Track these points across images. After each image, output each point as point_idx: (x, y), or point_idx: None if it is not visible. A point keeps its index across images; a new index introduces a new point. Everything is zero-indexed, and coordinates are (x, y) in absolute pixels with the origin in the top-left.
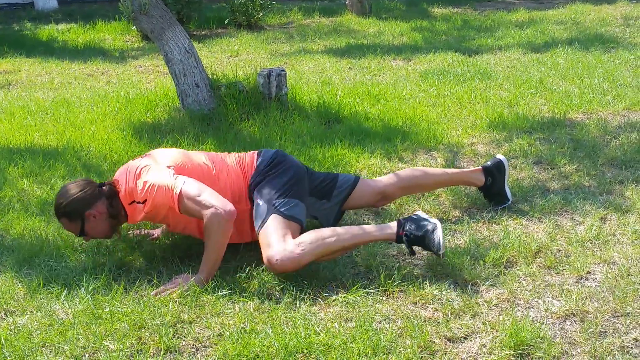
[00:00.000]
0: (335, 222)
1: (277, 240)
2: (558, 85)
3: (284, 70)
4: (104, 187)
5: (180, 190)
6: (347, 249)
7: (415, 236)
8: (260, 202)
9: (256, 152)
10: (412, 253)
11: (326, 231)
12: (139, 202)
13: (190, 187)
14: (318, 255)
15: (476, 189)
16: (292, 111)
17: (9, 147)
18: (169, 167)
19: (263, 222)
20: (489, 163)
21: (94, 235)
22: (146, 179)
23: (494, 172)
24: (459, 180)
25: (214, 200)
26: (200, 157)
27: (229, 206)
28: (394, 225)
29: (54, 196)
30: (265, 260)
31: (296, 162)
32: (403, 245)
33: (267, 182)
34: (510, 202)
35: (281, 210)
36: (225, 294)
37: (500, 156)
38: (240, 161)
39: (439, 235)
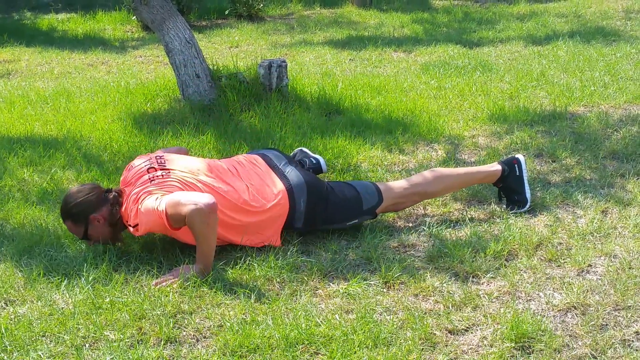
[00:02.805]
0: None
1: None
2: (559, 78)
3: (284, 62)
4: (110, 194)
5: (165, 206)
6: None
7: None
8: (356, 220)
9: (283, 190)
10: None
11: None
12: (130, 226)
13: (171, 197)
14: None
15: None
16: (292, 102)
17: (9, 137)
18: (157, 198)
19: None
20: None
21: (97, 240)
22: (139, 207)
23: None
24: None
25: (192, 197)
26: (213, 179)
27: (210, 199)
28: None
29: (56, 190)
30: None
31: (320, 188)
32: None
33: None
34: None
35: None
36: (226, 285)
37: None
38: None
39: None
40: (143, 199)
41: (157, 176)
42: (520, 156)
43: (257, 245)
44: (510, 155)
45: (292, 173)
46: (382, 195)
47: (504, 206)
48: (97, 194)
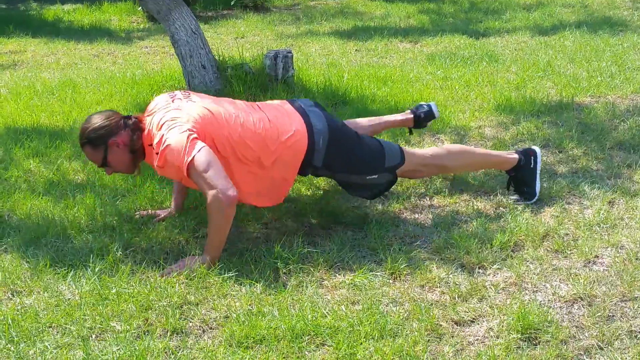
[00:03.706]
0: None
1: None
2: (566, 69)
3: (290, 52)
4: (130, 120)
5: (192, 159)
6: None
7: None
8: (375, 176)
9: (302, 124)
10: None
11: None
12: (155, 149)
13: (201, 159)
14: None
15: (488, 171)
16: (298, 93)
17: (15, 128)
18: (191, 129)
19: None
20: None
21: (115, 167)
22: (164, 135)
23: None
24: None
25: (218, 181)
26: (240, 114)
27: (231, 191)
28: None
29: (63, 180)
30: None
31: (346, 129)
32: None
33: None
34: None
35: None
36: (232, 276)
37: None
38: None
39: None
40: (170, 127)
41: (178, 98)
42: (537, 148)
43: (273, 199)
44: (527, 147)
45: (315, 113)
46: (405, 157)
47: (510, 197)
48: (116, 119)
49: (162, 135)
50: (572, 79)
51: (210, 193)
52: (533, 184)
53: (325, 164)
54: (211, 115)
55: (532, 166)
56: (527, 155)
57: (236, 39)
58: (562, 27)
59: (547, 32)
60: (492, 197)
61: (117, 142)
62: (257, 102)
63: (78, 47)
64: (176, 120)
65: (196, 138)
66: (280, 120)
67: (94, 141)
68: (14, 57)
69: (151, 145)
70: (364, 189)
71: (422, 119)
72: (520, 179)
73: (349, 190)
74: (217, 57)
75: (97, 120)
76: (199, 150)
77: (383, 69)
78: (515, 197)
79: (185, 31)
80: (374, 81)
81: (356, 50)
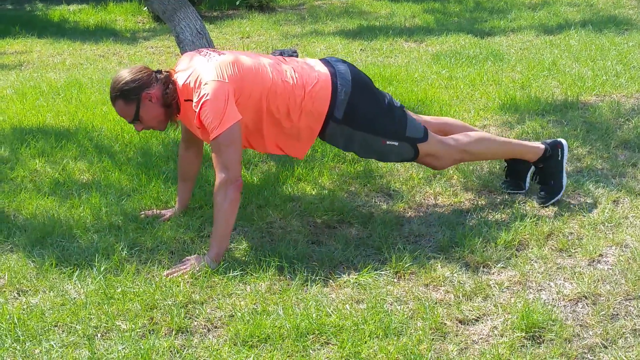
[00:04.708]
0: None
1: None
2: (571, 68)
3: (295, 52)
4: (160, 74)
5: (220, 133)
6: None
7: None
8: (395, 143)
9: (325, 74)
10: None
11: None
12: (194, 106)
13: (228, 137)
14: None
15: (492, 170)
16: None
17: (21, 128)
18: (229, 89)
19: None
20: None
21: (147, 123)
22: (204, 95)
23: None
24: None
25: (232, 165)
26: (266, 67)
27: (240, 179)
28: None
29: (68, 180)
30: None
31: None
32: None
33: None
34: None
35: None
36: (237, 275)
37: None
38: (302, 76)
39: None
40: (210, 86)
41: (209, 54)
42: (564, 141)
43: (297, 151)
44: (554, 139)
45: (340, 65)
46: (429, 135)
47: (536, 201)
48: (148, 72)
49: (201, 93)
50: (577, 78)
51: (221, 175)
52: (560, 177)
53: (346, 115)
54: (245, 69)
55: (559, 158)
56: (554, 147)
57: (241, 39)
58: (567, 26)
59: (552, 31)
60: (496, 196)
61: (150, 95)
62: (281, 56)
63: (84, 48)
64: (214, 78)
65: (232, 106)
66: (304, 70)
67: (127, 94)
68: (20, 57)
69: (188, 100)
70: (381, 155)
71: None
72: (547, 172)
73: (366, 154)
74: None
75: (129, 74)
76: (230, 126)
77: (388, 68)
78: (541, 200)
79: (190, 31)
80: (379, 80)
81: (361, 49)
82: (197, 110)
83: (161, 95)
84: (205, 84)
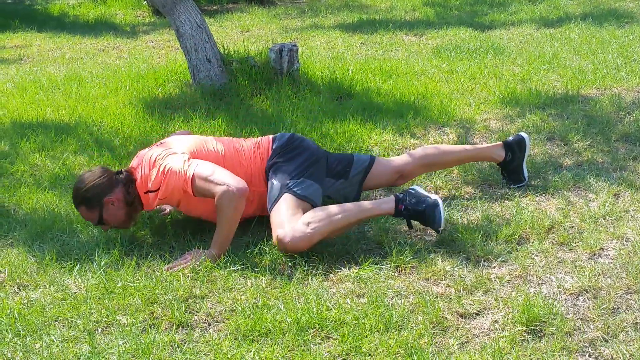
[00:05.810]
0: (355, 201)
1: (288, 220)
2: (571, 61)
3: (295, 46)
4: (121, 175)
5: (193, 173)
6: (352, 225)
7: (415, 210)
8: (275, 182)
9: (272, 136)
10: (411, 227)
11: (333, 208)
12: (152, 191)
13: (203, 168)
14: (326, 233)
15: (492, 164)
16: (303, 87)
17: (21, 122)
18: (183, 153)
19: (275, 202)
20: (510, 138)
21: (112, 224)
22: (160, 165)
23: (515, 148)
24: (478, 155)
25: (226, 179)
26: (214, 142)
27: (242, 183)
28: (391, 200)
29: (68, 175)
30: (275, 240)
31: (313, 144)
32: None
33: (283, 163)
34: (526, 182)
35: (294, 190)
36: (237, 269)
37: (523, 133)
38: (256, 145)
39: (440, 211)
40: (165, 157)
41: (161, 142)
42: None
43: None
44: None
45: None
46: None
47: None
48: (108, 176)
49: (159, 166)
50: (577, 71)
51: (220, 189)
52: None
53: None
54: (197, 145)
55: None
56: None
57: (241, 33)
58: (568, 20)
59: (552, 25)
60: (496, 190)
61: (112, 199)
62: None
63: (83, 42)
64: (169, 151)
65: (191, 158)
66: (245, 142)
67: (89, 201)
68: (20, 51)
69: (147, 192)
70: None
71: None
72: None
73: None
74: (222, 51)
75: (90, 180)
76: (197, 164)
77: (388, 62)
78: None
79: (190, 25)
80: (379, 74)
81: (361, 43)
82: (159, 184)
83: (123, 197)
84: (162, 159)
